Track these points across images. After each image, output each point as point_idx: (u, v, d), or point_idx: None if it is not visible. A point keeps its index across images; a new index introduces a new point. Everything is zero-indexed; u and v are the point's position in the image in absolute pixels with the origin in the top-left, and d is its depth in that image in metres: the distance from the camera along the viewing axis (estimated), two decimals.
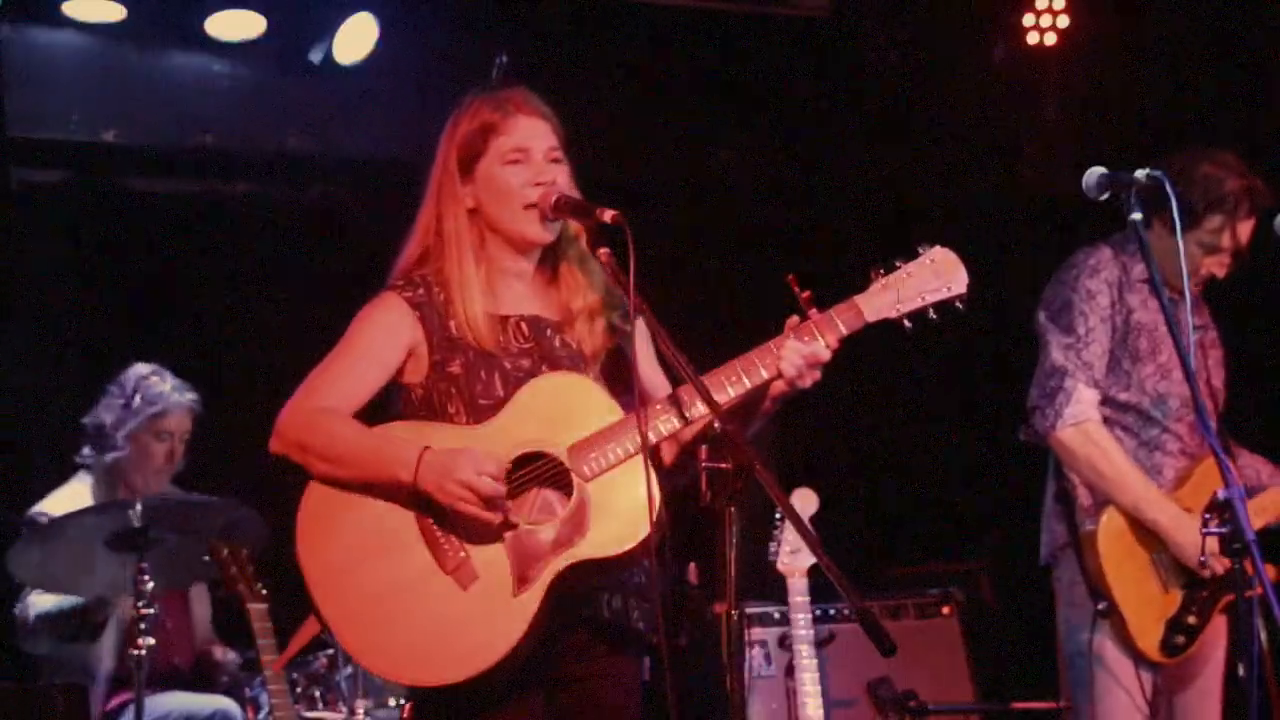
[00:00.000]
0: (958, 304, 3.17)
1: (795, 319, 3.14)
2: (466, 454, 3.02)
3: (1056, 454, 4.31)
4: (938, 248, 3.20)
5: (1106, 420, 4.30)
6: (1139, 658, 4.18)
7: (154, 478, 5.22)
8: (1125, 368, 4.30)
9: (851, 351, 3.20)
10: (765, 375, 3.11)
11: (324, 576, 3.06)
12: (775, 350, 3.11)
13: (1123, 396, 4.31)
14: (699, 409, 3.09)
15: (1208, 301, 4.54)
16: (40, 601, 4.94)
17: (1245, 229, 4.29)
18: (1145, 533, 4.22)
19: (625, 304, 3.25)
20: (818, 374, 3.12)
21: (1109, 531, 4.21)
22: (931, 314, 3.17)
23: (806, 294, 3.13)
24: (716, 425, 3.02)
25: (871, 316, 3.15)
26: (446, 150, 3.30)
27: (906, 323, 3.17)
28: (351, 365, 3.21)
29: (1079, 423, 4.23)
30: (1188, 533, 4.13)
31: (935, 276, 3.17)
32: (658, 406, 3.13)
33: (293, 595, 3.16)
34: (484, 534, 3.05)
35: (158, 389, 5.25)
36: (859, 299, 3.16)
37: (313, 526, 3.09)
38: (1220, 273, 4.34)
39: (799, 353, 3.09)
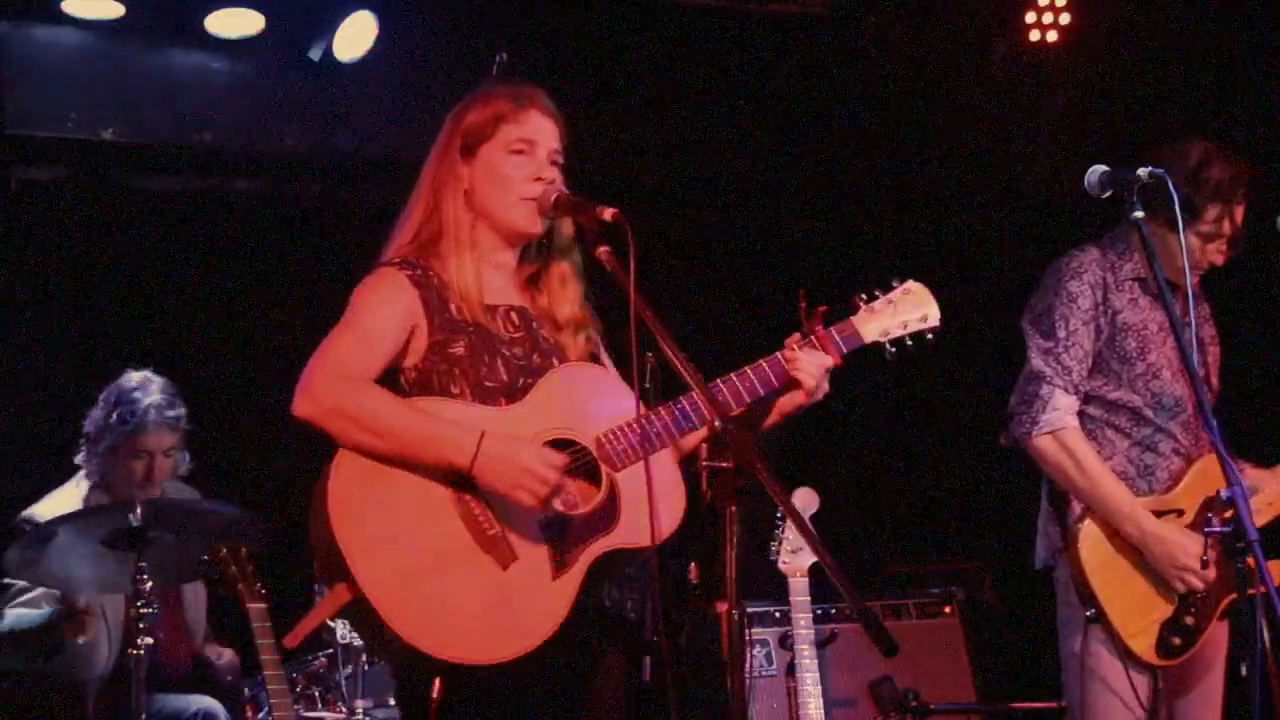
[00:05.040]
0: (929, 335, 3.37)
1: (797, 335, 3.26)
2: (527, 444, 3.03)
3: (1034, 460, 4.30)
4: (911, 281, 3.38)
5: (1098, 420, 4.28)
6: (1133, 661, 4.14)
7: (139, 491, 5.08)
8: (1115, 368, 4.27)
9: (852, 350, 3.33)
10: (776, 383, 3.19)
11: (365, 547, 2.98)
12: (784, 361, 3.22)
13: (1113, 396, 4.27)
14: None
15: (1208, 301, 4.53)
16: (11, 615, 4.89)
17: (1239, 213, 4.28)
18: None
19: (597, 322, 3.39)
20: (827, 385, 3.26)
21: (1087, 539, 4.19)
22: (909, 342, 3.36)
23: (822, 308, 3.28)
24: (718, 423, 3.03)
25: (868, 339, 3.32)
26: (451, 131, 3.31)
27: (890, 348, 3.35)
28: (367, 339, 3.15)
29: (1054, 430, 4.21)
30: (1162, 545, 4.11)
31: (915, 307, 3.36)
32: (675, 409, 3.16)
33: (293, 596, 3.14)
34: (522, 516, 3.05)
35: (136, 405, 5.07)
36: (855, 321, 3.33)
37: (349, 496, 3.01)
38: (1220, 260, 4.32)
39: (816, 363, 3.22)
